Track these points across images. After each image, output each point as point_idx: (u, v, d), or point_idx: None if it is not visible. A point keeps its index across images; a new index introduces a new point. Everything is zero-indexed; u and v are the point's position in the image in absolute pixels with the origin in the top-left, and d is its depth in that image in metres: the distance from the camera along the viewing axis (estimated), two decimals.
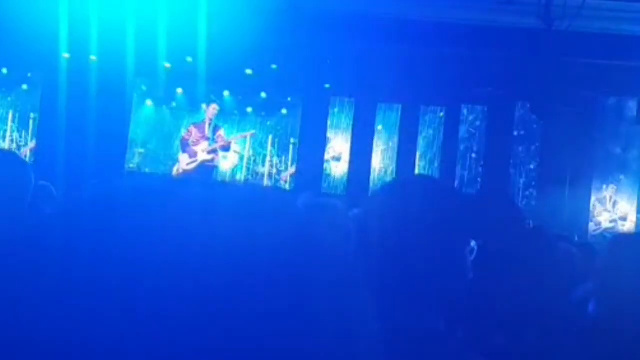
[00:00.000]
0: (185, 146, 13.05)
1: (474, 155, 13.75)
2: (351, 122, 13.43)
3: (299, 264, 0.54)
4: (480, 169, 13.46)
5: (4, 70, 13.21)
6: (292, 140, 13.68)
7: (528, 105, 13.22)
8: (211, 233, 0.55)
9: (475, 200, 2.22)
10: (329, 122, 13.55)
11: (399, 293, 1.43)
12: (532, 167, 13.63)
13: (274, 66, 12.80)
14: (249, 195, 0.61)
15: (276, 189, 10.66)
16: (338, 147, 13.98)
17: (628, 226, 13.19)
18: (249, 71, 12.98)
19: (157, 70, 12.36)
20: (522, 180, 13.62)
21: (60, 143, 11.66)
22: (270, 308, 0.53)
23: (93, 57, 12.08)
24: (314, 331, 0.52)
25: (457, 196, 1.61)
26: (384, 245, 1.50)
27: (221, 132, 13.24)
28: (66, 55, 12.08)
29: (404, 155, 13.17)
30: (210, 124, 13.16)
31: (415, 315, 1.45)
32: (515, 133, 13.53)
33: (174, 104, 13.86)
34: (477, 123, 13.78)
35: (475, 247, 1.86)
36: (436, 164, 13.52)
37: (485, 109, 13.41)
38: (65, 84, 12.11)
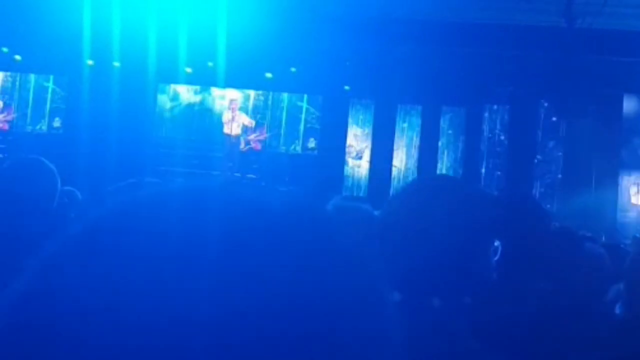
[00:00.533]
0: None
1: (496, 154, 13.67)
2: (371, 124, 13.43)
3: (328, 269, 0.54)
4: (503, 169, 13.37)
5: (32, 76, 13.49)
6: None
7: (551, 104, 13.12)
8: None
9: (499, 200, 2.20)
10: (350, 125, 13.56)
11: (422, 294, 1.42)
12: (556, 166, 13.51)
13: (293, 69, 12.85)
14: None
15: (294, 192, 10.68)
16: (359, 149, 13.97)
17: None
18: (268, 74, 13.05)
19: (178, 75, 12.46)
20: (546, 180, 13.51)
21: (84, 146, 11.79)
22: (300, 313, 0.53)
23: (116, 64, 12.21)
24: (339, 332, 0.52)
25: (479, 196, 1.59)
26: (406, 246, 1.49)
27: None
28: (90, 62, 12.24)
29: (425, 155, 13.12)
30: None
31: (440, 315, 1.43)
32: (539, 132, 13.43)
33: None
34: (499, 122, 13.70)
35: (499, 247, 1.84)
36: (458, 164, 13.46)
37: (508, 108, 13.32)
38: (89, 89, 12.26)
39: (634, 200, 13.44)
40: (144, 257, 0.52)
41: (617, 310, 2.56)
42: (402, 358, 0.55)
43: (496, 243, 1.67)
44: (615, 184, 13.05)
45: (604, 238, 9.87)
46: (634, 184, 13.44)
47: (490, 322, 1.74)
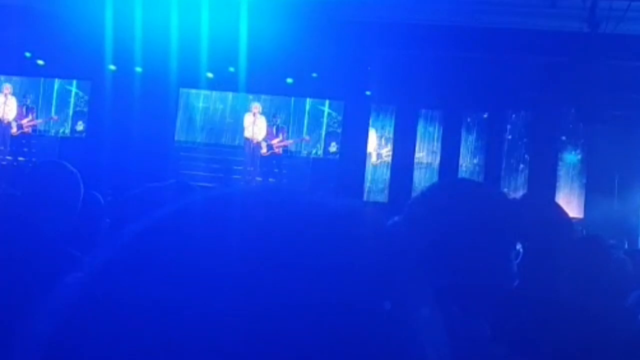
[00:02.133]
0: None
1: (519, 159, 13.59)
2: (393, 129, 13.41)
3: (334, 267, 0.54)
4: (525, 173, 13.28)
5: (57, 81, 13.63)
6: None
7: (574, 110, 13.02)
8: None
9: (521, 205, 2.19)
10: (370, 130, 13.56)
11: (443, 297, 1.41)
12: (578, 171, 13.40)
13: (314, 74, 12.87)
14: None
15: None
16: (381, 154, 13.96)
17: None
18: (290, 80, 13.08)
19: (199, 80, 12.53)
20: (568, 185, 13.40)
21: (107, 150, 11.90)
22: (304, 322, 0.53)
23: (138, 69, 12.31)
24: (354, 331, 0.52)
25: (501, 199, 1.58)
26: (428, 249, 1.49)
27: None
28: (112, 67, 12.35)
29: (447, 160, 13.08)
30: None
31: (461, 320, 1.43)
32: (563, 138, 13.33)
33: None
34: (522, 128, 13.62)
35: (521, 251, 1.83)
36: (480, 169, 13.39)
37: (530, 114, 13.24)
38: (111, 94, 12.37)
39: None
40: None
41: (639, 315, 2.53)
42: None
43: (518, 247, 1.65)
44: (638, 190, 12.92)
45: (626, 245, 9.78)
46: None
47: (513, 327, 1.73)
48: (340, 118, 13.77)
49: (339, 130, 13.76)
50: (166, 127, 13.17)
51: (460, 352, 1.36)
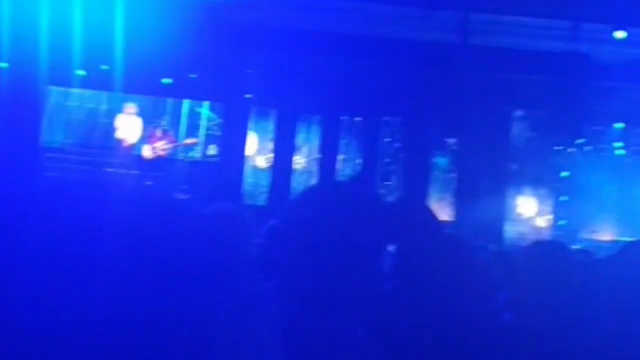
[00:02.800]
0: None
1: (393, 163, 13.96)
2: (273, 133, 13.43)
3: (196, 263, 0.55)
4: (399, 177, 13.67)
5: None
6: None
7: (446, 118, 13.52)
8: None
9: (394, 207, 2.23)
10: (251, 133, 13.50)
11: (318, 299, 1.40)
12: (450, 175, 13.93)
13: (193, 75, 12.65)
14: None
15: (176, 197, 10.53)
16: (259, 157, 13.94)
17: (541, 233, 13.63)
18: (167, 80, 12.79)
19: (70, 77, 12.00)
20: (439, 189, 13.90)
21: None
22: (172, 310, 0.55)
23: (3, 64, 11.63)
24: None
25: (374, 202, 1.60)
26: (301, 251, 1.48)
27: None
28: None
29: (325, 163, 13.23)
30: None
31: (334, 321, 1.42)
32: (434, 143, 13.81)
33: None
34: (397, 133, 14.00)
35: (393, 253, 1.86)
36: (357, 172, 13.64)
37: (404, 120, 13.63)
38: None
39: (521, 210, 14.04)
40: None
41: (506, 316, 2.63)
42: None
43: (390, 248, 1.68)
44: (504, 194, 13.58)
45: (493, 246, 10.23)
46: (522, 195, 14.04)
47: (386, 326, 1.74)
48: (219, 121, 13.64)
49: (219, 133, 13.61)
50: (32, 128, 12.50)
51: (333, 351, 1.36)
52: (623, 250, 2.14)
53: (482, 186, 13.10)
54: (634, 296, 2.20)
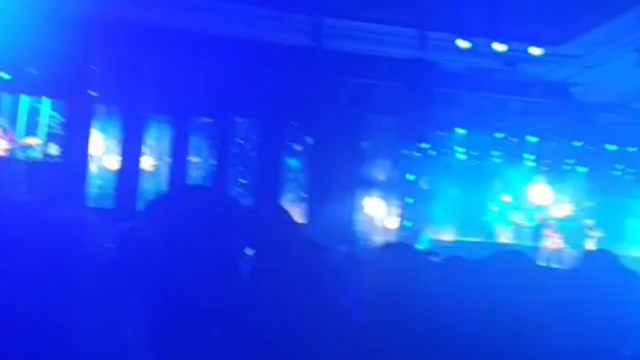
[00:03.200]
0: None
1: (247, 165, 13.92)
2: (119, 133, 12.94)
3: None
4: (253, 179, 13.63)
5: None
6: None
7: (298, 120, 13.66)
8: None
9: (249, 210, 2.19)
10: (96, 133, 12.95)
11: (173, 305, 1.34)
12: (303, 179, 14.08)
13: (33, 70, 11.92)
14: None
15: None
16: (106, 157, 13.41)
17: (388, 234, 14.09)
18: (5, 75, 11.98)
19: None
20: (292, 192, 14.01)
21: None
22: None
23: None
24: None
25: (230, 205, 1.56)
26: (154, 257, 1.42)
27: None
28: None
29: (176, 165, 12.94)
30: None
31: (190, 326, 1.38)
32: (286, 145, 13.90)
33: None
34: (251, 134, 13.96)
35: (251, 256, 1.82)
36: (210, 175, 13.45)
37: (257, 122, 13.62)
38: None
39: (368, 211, 14.44)
40: None
41: (356, 316, 2.65)
42: None
43: (249, 252, 1.65)
44: (354, 198, 13.92)
45: (343, 247, 10.43)
46: (370, 196, 14.44)
47: (248, 329, 1.70)
48: (62, 119, 12.95)
49: (60, 132, 12.91)
50: None
51: (191, 355, 1.31)
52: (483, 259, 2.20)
53: (333, 188, 13.34)
54: (478, 298, 2.26)
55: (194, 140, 13.50)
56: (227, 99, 12.58)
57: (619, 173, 16.62)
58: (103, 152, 13.39)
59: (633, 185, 16.74)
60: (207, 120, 13.61)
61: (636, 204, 16.87)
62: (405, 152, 14.85)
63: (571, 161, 16.30)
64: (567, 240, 15.29)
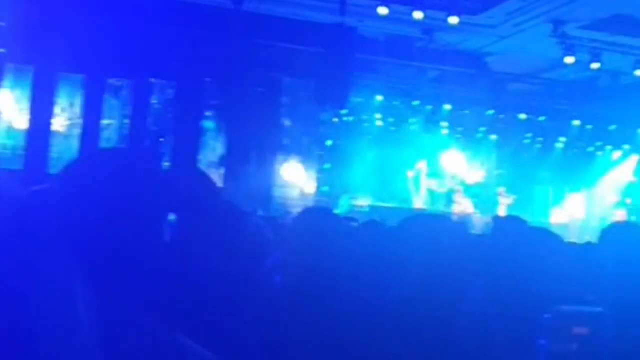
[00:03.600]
0: None
1: (164, 128, 13.67)
2: (29, 92, 12.44)
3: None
4: (169, 142, 13.41)
5: None
6: None
7: (216, 83, 13.47)
8: None
9: (170, 175, 2.16)
10: (4, 91, 12.42)
11: (93, 272, 1.32)
12: (220, 142, 13.96)
13: None
14: None
15: None
16: (15, 116, 12.90)
17: (306, 199, 14.19)
18: None
19: None
20: (211, 156, 13.88)
21: None
22: None
23: None
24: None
25: (149, 169, 1.53)
26: (78, 221, 1.38)
27: None
28: None
29: (89, 127, 12.56)
30: None
31: (111, 294, 1.36)
32: (205, 109, 13.72)
33: None
34: (166, 97, 13.70)
35: (174, 222, 1.80)
36: (125, 137, 13.15)
37: (174, 84, 13.36)
38: None
39: (287, 177, 14.48)
40: None
41: (277, 278, 2.69)
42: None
43: (171, 217, 1.63)
44: (272, 162, 13.92)
45: (260, 211, 10.47)
46: (288, 161, 14.48)
47: (169, 294, 1.70)
48: None
49: None
50: None
51: (108, 325, 1.30)
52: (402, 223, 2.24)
53: (250, 152, 13.29)
54: (393, 262, 2.32)
55: (109, 101, 13.14)
56: (143, 59, 12.25)
57: (528, 141, 17.23)
58: (12, 111, 12.88)
59: (541, 154, 17.41)
60: (122, 80, 13.25)
61: (544, 172, 17.57)
62: (323, 117, 14.90)
63: (483, 129, 16.76)
64: (477, 206, 15.80)
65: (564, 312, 1.50)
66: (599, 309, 1.50)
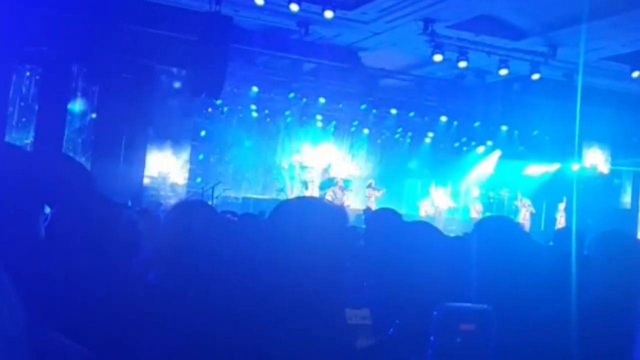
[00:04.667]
0: None
1: (29, 114, 13.00)
2: None
3: None
4: (35, 130, 12.74)
5: None
6: None
7: (85, 69, 12.94)
8: None
9: (37, 162, 2.04)
10: None
11: None
12: (89, 131, 13.43)
13: None
14: None
15: None
16: None
17: (180, 191, 13.92)
18: None
19: None
20: (79, 144, 13.33)
21: None
22: None
23: None
24: None
25: (23, 159, 1.43)
26: None
27: None
28: None
29: None
30: None
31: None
32: (73, 96, 13.14)
33: None
34: (32, 83, 13.01)
35: (50, 213, 1.69)
36: None
37: (40, 70, 12.69)
38: None
39: (159, 168, 14.10)
40: None
41: (152, 275, 2.59)
42: None
43: (47, 210, 1.53)
44: (143, 152, 13.53)
45: (130, 203, 10.15)
46: (162, 151, 14.10)
47: (43, 287, 1.59)
48: None
49: None
50: None
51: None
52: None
53: (121, 142, 12.87)
54: (269, 253, 2.29)
55: None
56: (7, 44, 11.54)
57: (398, 136, 17.75)
58: None
59: (411, 148, 17.99)
60: None
61: (413, 166, 18.16)
62: (198, 106, 14.65)
63: (356, 123, 17.10)
64: (350, 199, 16.09)
65: (451, 309, 1.52)
66: (485, 305, 1.53)
